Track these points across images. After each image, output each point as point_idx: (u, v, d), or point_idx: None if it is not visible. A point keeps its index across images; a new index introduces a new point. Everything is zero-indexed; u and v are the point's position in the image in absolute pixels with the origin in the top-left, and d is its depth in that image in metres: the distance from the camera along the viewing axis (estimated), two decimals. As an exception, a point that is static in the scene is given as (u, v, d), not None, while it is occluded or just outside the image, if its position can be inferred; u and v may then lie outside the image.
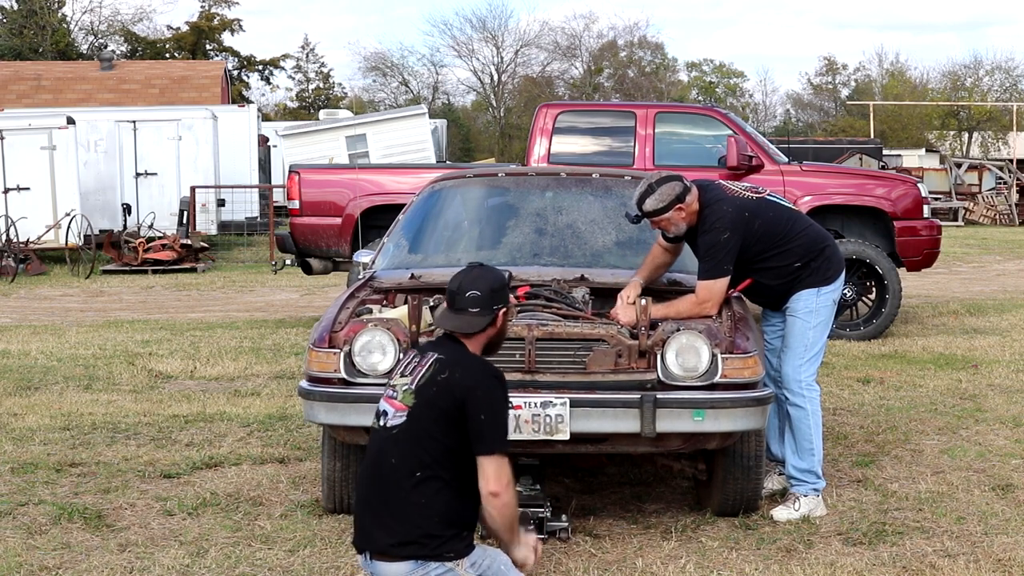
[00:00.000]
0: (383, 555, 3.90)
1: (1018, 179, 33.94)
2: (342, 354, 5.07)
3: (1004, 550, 5.00)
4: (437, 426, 3.91)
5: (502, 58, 58.79)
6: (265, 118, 40.44)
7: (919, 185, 11.76)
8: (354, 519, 4.08)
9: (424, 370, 3.98)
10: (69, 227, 18.72)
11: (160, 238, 19.94)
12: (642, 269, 5.64)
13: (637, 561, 4.91)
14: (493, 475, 3.89)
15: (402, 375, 4.06)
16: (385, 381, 4.21)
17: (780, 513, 5.49)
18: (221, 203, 22.02)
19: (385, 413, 4.02)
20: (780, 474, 5.86)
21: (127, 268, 18.86)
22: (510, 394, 4.83)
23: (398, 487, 3.89)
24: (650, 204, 5.43)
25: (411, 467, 3.89)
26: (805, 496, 5.54)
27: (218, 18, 54.64)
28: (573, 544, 5.11)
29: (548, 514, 5.11)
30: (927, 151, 41.77)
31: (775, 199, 5.72)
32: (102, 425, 7.41)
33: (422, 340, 4.94)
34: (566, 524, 5.16)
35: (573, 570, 4.82)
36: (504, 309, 4.15)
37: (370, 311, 5.38)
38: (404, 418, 3.94)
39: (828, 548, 5.07)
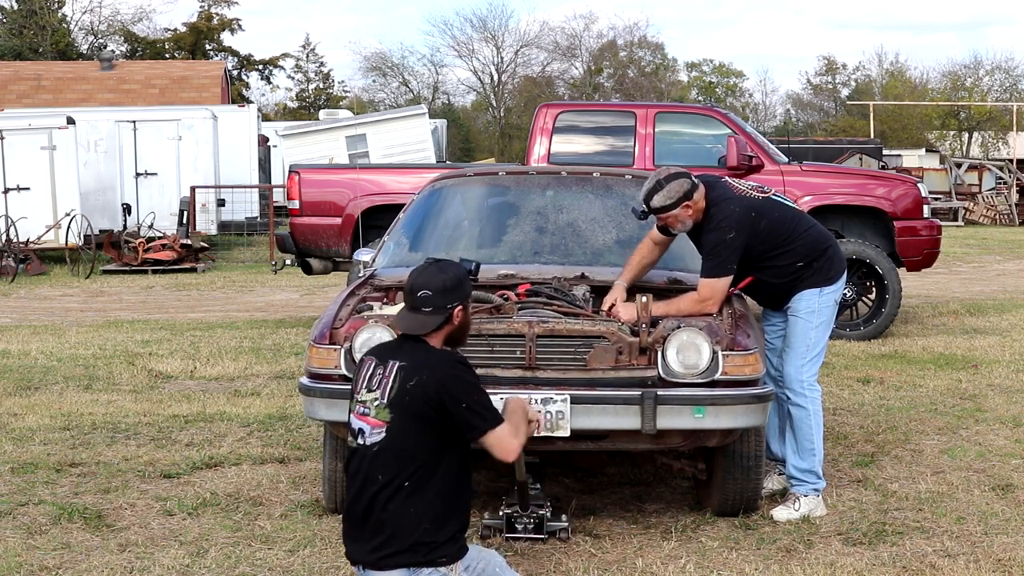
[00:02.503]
0: (375, 566, 3.89)
1: (1018, 179, 33.94)
2: (343, 350, 5.07)
3: (1004, 550, 5.00)
4: (419, 433, 3.89)
5: (502, 58, 58.84)
6: (265, 118, 40.45)
7: (919, 185, 11.76)
8: (343, 534, 4.06)
9: (391, 381, 3.94)
10: (69, 227, 18.72)
11: (160, 238, 19.93)
12: (626, 271, 5.62)
13: (637, 561, 4.91)
14: (499, 448, 3.93)
15: (369, 389, 3.99)
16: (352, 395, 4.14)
17: (780, 513, 5.48)
18: (221, 203, 22.01)
19: (362, 431, 3.97)
20: (780, 474, 5.86)
21: (127, 268, 18.86)
22: (511, 390, 4.86)
23: (388, 501, 3.87)
24: (658, 201, 5.43)
25: (399, 480, 3.87)
26: (805, 496, 5.53)
27: (218, 18, 54.65)
28: (573, 544, 5.11)
29: (548, 514, 5.11)
30: (927, 151, 41.76)
31: (780, 199, 5.72)
32: (102, 425, 7.41)
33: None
34: (566, 524, 5.15)
35: (573, 570, 4.82)
36: (460, 305, 4.08)
37: (371, 308, 5.37)
38: (383, 434, 3.91)
39: (828, 548, 5.07)
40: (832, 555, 4.98)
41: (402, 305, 5.25)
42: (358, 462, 3.97)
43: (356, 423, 4.00)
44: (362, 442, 3.96)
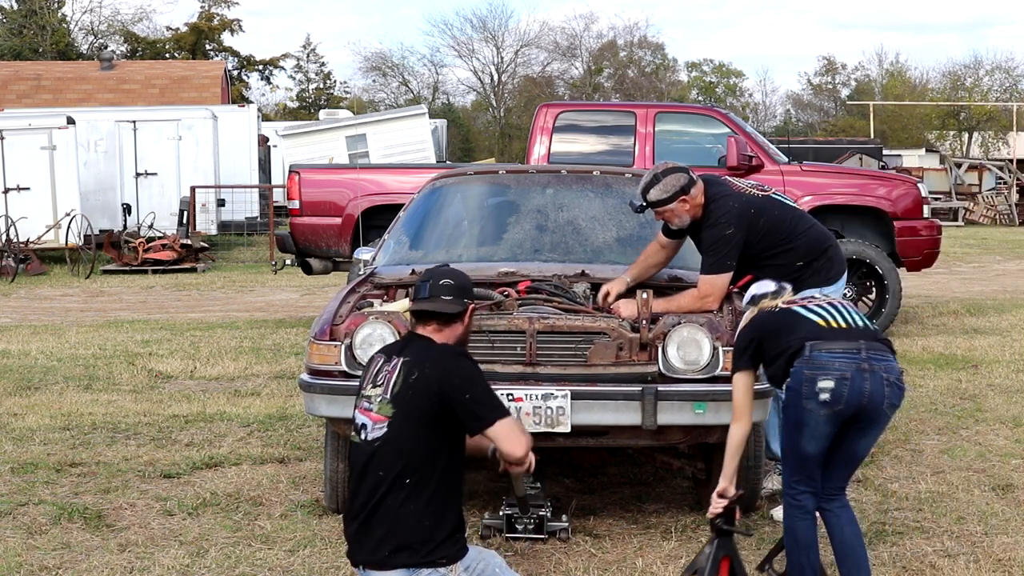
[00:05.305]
0: (376, 565, 3.89)
1: (1018, 179, 33.94)
2: (343, 347, 5.07)
3: (1004, 550, 5.00)
4: (421, 429, 3.88)
5: (502, 58, 58.83)
6: (265, 118, 40.43)
7: (919, 185, 11.76)
8: (345, 533, 4.06)
9: (395, 377, 3.95)
10: (69, 227, 18.72)
11: (160, 238, 19.94)
12: (633, 267, 5.66)
13: (637, 561, 4.91)
14: (508, 440, 3.87)
15: (374, 385, 4.01)
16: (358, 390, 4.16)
17: (780, 513, 5.47)
18: (221, 203, 22.01)
19: (364, 426, 3.97)
20: (780, 473, 5.85)
21: (127, 268, 18.86)
22: (511, 386, 4.86)
23: (388, 497, 3.87)
24: (655, 194, 5.44)
25: (399, 476, 3.87)
26: (805, 495, 5.52)
27: (218, 18, 54.64)
28: (573, 544, 5.11)
29: (548, 514, 5.11)
30: (927, 151, 41.77)
31: (780, 198, 5.72)
32: (102, 425, 7.41)
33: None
34: (566, 524, 5.15)
35: (573, 570, 4.82)
36: (472, 305, 4.16)
37: (371, 305, 5.37)
38: (385, 429, 3.91)
39: (828, 548, 5.06)
40: (832, 555, 4.96)
41: (404, 302, 5.27)
42: (359, 457, 3.98)
43: (359, 418, 4.01)
44: (364, 437, 3.96)
